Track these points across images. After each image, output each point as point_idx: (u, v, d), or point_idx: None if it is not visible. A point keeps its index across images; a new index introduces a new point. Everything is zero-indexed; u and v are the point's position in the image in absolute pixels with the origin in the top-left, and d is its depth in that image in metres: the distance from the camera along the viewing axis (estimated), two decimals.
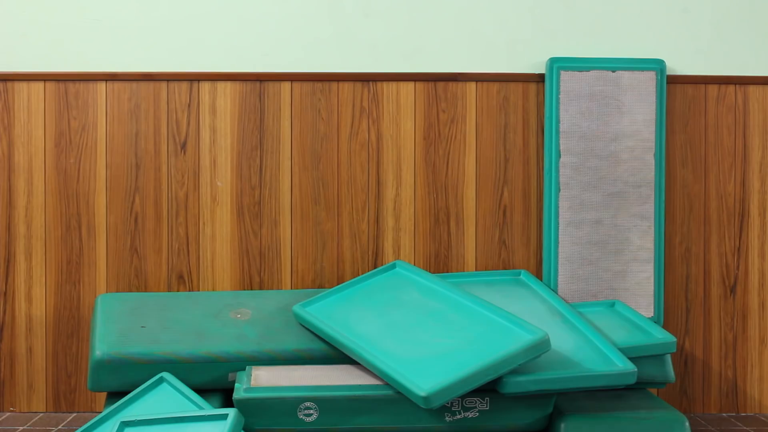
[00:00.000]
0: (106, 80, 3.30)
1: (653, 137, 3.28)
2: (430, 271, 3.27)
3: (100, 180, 3.30)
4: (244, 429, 2.50)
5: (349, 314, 2.84)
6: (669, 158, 3.35)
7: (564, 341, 2.73)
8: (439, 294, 2.85)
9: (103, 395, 3.06)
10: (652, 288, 3.27)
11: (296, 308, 2.92)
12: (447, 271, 3.30)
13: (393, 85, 3.31)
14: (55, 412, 3.31)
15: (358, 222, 3.33)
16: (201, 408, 2.56)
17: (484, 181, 3.33)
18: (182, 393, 2.63)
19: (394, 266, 3.05)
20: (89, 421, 2.61)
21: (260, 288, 3.32)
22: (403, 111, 3.32)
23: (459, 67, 3.33)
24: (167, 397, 2.63)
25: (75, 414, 3.28)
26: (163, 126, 3.31)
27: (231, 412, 2.36)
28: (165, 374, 2.68)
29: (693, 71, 3.35)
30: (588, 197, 3.27)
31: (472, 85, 3.32)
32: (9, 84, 3.29)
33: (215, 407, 2.63)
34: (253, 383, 2.57)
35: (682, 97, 3.35)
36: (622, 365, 2.57)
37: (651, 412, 2.66)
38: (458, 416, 2.56)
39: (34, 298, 3.31)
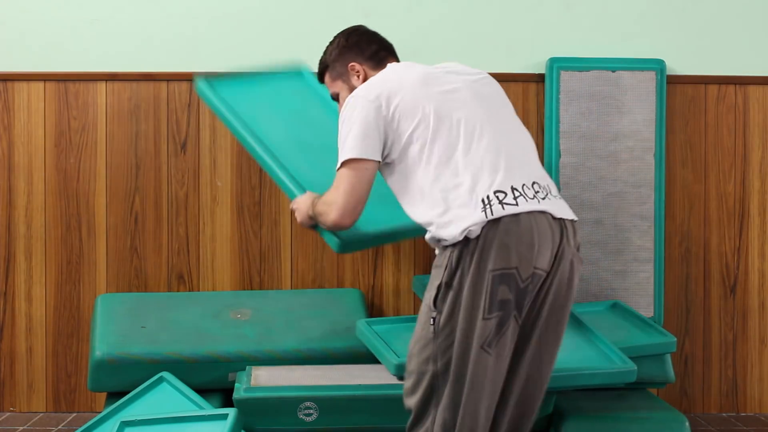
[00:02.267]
0: (106, 80, 3.30)
1: (653, 137, 3.28)
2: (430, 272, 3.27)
3: (100, 180, 3.30)
4: (244, 429, 2.50)
5: (257, 110, 2.83)
6: (669, 158, 3.34)
7: (564, 341, 2.73)
8: None
9: (103, 395, 3.05)
10: (652, 288, 3.27)
11: (201, 83, 2.92)
12: None
13: None
14: (55, 412, 3.30)
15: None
16: (201, 407, 2.56)
17: None
18: (182, 393, 2.62)
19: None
20: (89, 421, 2.61)
21: (260, 288, 3.31)
22: None
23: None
24: (167, 397, 2.63)
25: (75, 414, 3.28)
26: (163, 126, 3.31)
27: (231, 411, 2.35)
28: (165, 374, 2.68)
29: (693, 71, 3.35)
30: (588, 197, 3.27)
31: None
32: (9, 84, 3.29)
33: (215, 407, 2.63)
34: (253, 383, 2.57)
35: (682, 97, 3.35)
36: (622, 363, 2.57)
37: (651, 412, 2.66)
38: None
39: (34, 298, 3.30)
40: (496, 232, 2.00)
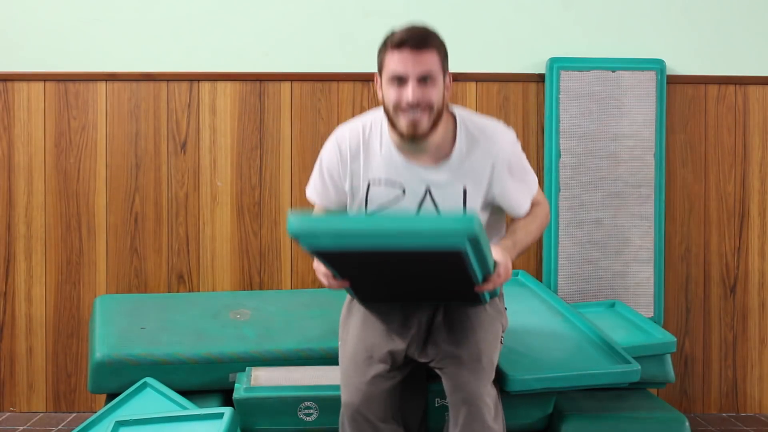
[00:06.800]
0: (106, 80, 3.30)
1: (653, 137, 3.28)
2: None
3: (100, 180, 3.30)
4: (244, 429, 2.50)
5: None
6: (669, 158, 3.35)
7: (565, 341, 2.73)
8: None
9: (103, 396, 3.05)
10: (652, 288, 3.27)
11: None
12: None
13: None
14: (55, 412, 3.31)
15: None
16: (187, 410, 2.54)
17: None
18: (167, 396, 2.61)
19: None
20: (78, 426, 2.59)
21: (260, 288, 3.31)
22: None
23: (459, 67, 3.32)
24: (152, 401, 2.62)
25: (75, 414, 3.28)
26: (163, 126, 3.31)
27: (227, 411, 2.35)
28: (148, 379, 2.66)
29: (693, 71, 3.35)
30: (588, 197, 3.27)
31: (472, 85, 3.32)
32: (9, 84, 3.29)
33: (211, 408, 2.62)
34: (253, 383, 2.57)
35: (682, 97, 3.35)
36: (626, 363, 2.57)
37: (651, 412, 2.66)
38: None
39: (34, 298, 3.31)
40: None
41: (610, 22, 3.34)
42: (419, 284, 2.17)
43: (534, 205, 2.38)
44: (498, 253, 2.18)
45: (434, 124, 2.18)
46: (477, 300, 2.24)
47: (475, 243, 1.92)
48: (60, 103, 3.30)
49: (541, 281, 3.25)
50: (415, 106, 2.14)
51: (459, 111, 2.30)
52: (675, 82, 3.33)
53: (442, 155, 2.25)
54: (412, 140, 2.19)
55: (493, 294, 2.28)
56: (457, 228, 1.92)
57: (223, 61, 3.31)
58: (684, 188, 3.36)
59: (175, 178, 3.31)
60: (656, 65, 3.27)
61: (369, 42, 3.32)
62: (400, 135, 2.19)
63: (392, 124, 2.20)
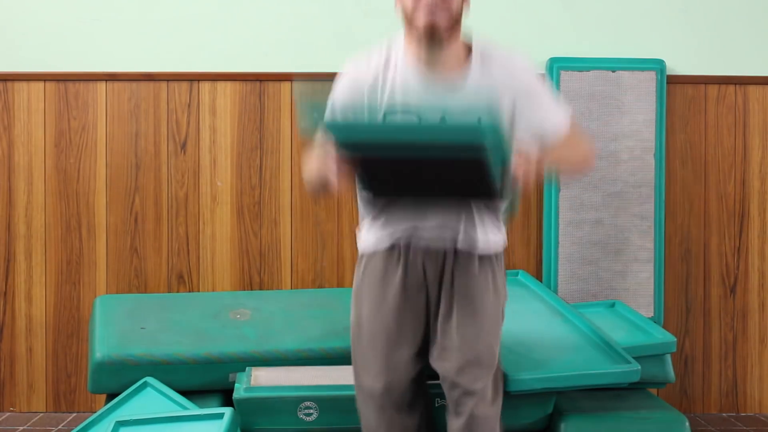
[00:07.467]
0: (106, 80, 3.30)
1: (653, 137, 3.28)
2: None
3: (100, 180, 3.30)
4: (244, 429, 2.50)
5: None
6: (669, 158, 3.35)
7: (565, 341, 2.73)
8: None
9: (103, 396, 3.05)
10: (652, 288, 3.27)
11: None
12: None
13: None
14: (55, 412, 3.31)
15: (357, 222, 3.32)
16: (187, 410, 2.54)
17: None
18: (167, 396, 2.61)
19: None
20: (77, 427, 2.59)
21: (260, 288, 3.31)
22: None
23: None
24: (152, 401, 2.62)
25: (75, 414, 3.28)
26: (163, 126, 3.31)
27: (227, 411, 2.35)
28: (148, 379, 2.66)
29: (693, 71, 3.35)
30: (588, 197, 3.27)
31: None
32: (9, 84, 3.29)
33: (211, 408, 2.62)
34: (253, 383, 2.57)
35: (682, 97, 3.35)
36: (626, 363, 2.57)
37: (651, 412, 2.66)
38: None
39: (34, 298, 3.31)
40: None
41: (610, 22, 3.34)
42: (438, 176, 2.05)
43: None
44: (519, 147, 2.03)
45: (452, 29, 2.10)
46: (494, 196, 2.05)
47: (494, 143, 1.87)
48: (60, 103, 3.30)
49: (541, 281, 3.25)
50: (434, 3, 2.06)
51: (476, 37, 2.22)
52: (675, 82, 3.33)
53: (459, 77, 2.14)
54: (430, 39, 2.08)
55: (514, 202, 2.18)
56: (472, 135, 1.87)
57: (223, 61, 3.31)
58: (684, 188, 3.36)
59: (175, 178, 3.31)
60: (656, 65, 3.27)
61: (369, 42, 3.32)
62: (418, 36, 2.09)
63: (410, 28, 2.11)
